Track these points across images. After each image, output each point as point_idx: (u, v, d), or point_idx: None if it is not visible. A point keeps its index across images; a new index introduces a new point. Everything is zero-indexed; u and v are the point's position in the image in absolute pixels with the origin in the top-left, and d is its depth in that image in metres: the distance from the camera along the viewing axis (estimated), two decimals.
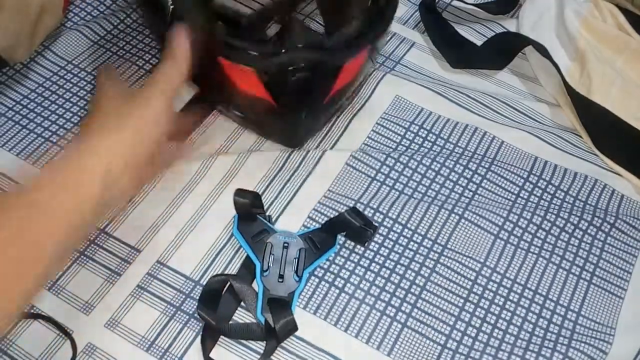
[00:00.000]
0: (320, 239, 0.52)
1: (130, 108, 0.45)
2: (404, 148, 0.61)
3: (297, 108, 0.54)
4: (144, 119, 0.44)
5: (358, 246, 0.54)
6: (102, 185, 0.40)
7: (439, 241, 0.55)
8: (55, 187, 0.39)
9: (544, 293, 0.53)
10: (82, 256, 0.52)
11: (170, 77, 0.47)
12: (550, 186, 0.60)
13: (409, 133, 0.62)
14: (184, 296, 0.51)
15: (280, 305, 0.48)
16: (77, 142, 0.42)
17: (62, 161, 0.42)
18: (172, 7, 0.56)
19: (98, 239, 0.53)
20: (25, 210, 0.37)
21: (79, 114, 0.61)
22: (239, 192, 0.54)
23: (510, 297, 0.53)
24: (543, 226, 0.57)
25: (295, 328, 0.48)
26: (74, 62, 0.64)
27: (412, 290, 0.53)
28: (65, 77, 0.63)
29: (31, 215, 0.37)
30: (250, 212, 0.53)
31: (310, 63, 0.51)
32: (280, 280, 0.50)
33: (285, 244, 0.51)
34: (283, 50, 0.50)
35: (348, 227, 0.53)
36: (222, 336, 0.49)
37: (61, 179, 0.40)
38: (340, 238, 0.54)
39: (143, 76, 0.64)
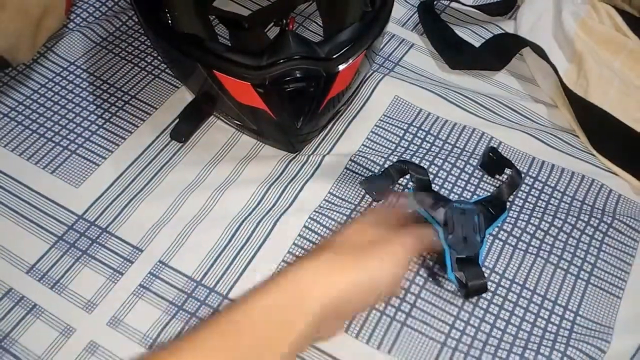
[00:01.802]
0: (492, 205, 0.56)
1: (374, 256, 0.44)
2: (403, 149, 0.62)
3: (294, 117, 0.54)
4: (377, 275, 0.44)
5: None
6: (310, 326, 0.40)
7: None
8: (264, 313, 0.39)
9: (542, 293, 0.54)
10: (84, 255, 0.53)
11: (420, 244, 0.48)
12: (547, 187, 0.60)
13: (407, 134, 0.63)
14: (185, 296, 0.51)
15: (471, 264, 0.51)
16: (307, 261, 0.42)
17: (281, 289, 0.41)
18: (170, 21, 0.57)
19: (100, 237, 0.54)
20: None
21: (81, 114, 0.61)
22: (415, 169, 0.57)
23: (509, 297, 0.53)
24: (541, 226, 0.57)
25: (485, 284, 0.51)
26: (76, 63, 0.65)
27: (412, 289, 0.53)
28: (68, 78, 0.64)
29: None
30: (428, 185, 0.57)
31: (305, 73, 0.51)
32: (464, 242, 0.52)
33: (462, 211, 0.54)
34: (277, 62, 0.51)
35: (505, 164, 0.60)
36: None
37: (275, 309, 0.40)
38: None
39: (145, 77, 0.65)
